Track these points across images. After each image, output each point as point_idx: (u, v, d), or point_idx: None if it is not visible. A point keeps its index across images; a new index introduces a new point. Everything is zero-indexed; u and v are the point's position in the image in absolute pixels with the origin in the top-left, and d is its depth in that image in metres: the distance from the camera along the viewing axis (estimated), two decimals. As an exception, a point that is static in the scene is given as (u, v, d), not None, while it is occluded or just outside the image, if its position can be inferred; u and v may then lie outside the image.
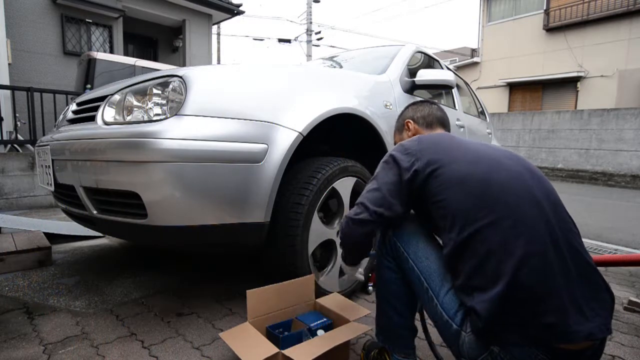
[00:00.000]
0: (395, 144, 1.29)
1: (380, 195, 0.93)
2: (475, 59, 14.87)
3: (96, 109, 1.40)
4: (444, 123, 1.19)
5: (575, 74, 11.82)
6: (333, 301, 1.30)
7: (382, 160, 1.00)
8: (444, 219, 0.85)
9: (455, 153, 0.89)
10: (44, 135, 2.76)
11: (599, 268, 2.27)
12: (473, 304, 0.76)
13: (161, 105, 1.22)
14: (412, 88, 2.11)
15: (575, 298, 0.72)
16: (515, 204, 0.78)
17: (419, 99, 2.19)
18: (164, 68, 5.18)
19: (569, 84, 12.23)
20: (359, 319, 1.19)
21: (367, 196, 0.95)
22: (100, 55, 5.03)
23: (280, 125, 1.32)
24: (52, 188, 1.58)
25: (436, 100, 2.57)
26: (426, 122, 1.18)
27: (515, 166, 0.85)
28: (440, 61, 2.85)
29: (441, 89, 2.34)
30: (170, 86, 1.22)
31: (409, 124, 1.20)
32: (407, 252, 0.94)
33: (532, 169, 0.87)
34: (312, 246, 1.44)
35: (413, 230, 0.97)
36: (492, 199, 0.79)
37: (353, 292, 1.64)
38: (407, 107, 1.26)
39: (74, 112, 1.64)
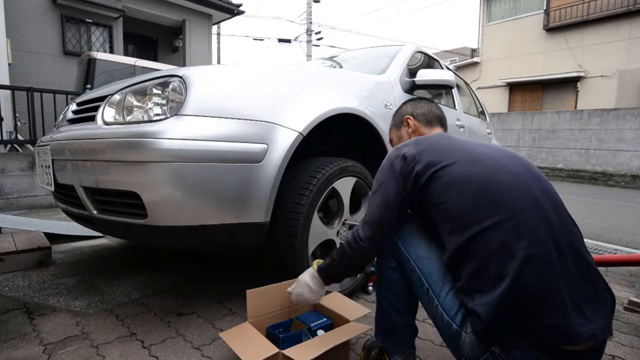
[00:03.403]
0: (391, 140, 1.27)
1: (381, 212, 0.94)
2: (475, 59, 14.87)
3: (96, 109, 1.40)
4: (442, 122, 1.17)
5: (575, 74, 11.82)
6: (333, 301, 1.30)
7: (381, 169, 0.98)
8: (445, 221, 0.85)
9: (455, 154, 0.89)
10: (44, 135, 2.76)
11: (598, 268, 2.27)
12: (473, 306, 0.75)
13: (161, 105, 1.22)
14: (412, 88, 2.11)
15: (577, 299, 0.71)
16: (516, 206, 0.77)
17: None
18: (164, 68, 5.17)
19: (569, 84, 12.23)
20: (359, 319, 1.19)
21: (370, 213, 0.96)
22: (100, 55, 5.03)
23: (280, 125, 1.32)
24: (52, 188, 1.58)
25: (435, 100, 2.56)
26: (426, 119, 1.16)
27: (515, 166, 0.85)
28: (440, 61, 2.85)
29: (441, 89, 2.34)
30: (170, 86, 1.22)
31: (409, 120, 1.17)
32: (409, 252, 0.94)
33: (532, 169, 0.86)
34: (312, 246, 1.44)
35: (414, 231, 0.97)
36: (493, 200, 0.79)
37: (353, 292, 1.64)
38: (404, 104, 1.24)
39: (74, 112, 1.64)
